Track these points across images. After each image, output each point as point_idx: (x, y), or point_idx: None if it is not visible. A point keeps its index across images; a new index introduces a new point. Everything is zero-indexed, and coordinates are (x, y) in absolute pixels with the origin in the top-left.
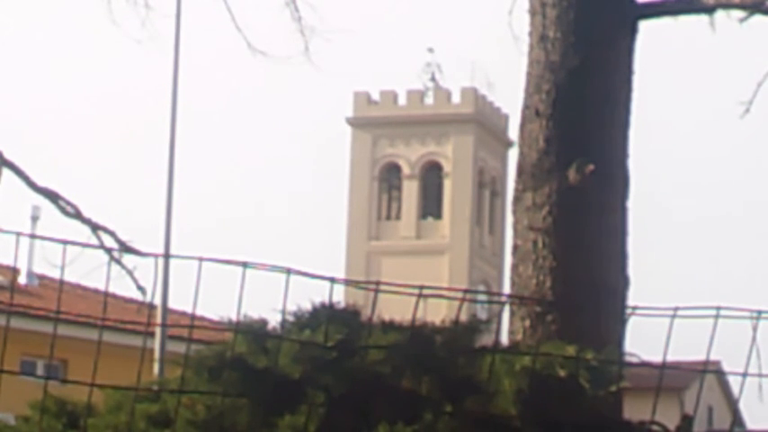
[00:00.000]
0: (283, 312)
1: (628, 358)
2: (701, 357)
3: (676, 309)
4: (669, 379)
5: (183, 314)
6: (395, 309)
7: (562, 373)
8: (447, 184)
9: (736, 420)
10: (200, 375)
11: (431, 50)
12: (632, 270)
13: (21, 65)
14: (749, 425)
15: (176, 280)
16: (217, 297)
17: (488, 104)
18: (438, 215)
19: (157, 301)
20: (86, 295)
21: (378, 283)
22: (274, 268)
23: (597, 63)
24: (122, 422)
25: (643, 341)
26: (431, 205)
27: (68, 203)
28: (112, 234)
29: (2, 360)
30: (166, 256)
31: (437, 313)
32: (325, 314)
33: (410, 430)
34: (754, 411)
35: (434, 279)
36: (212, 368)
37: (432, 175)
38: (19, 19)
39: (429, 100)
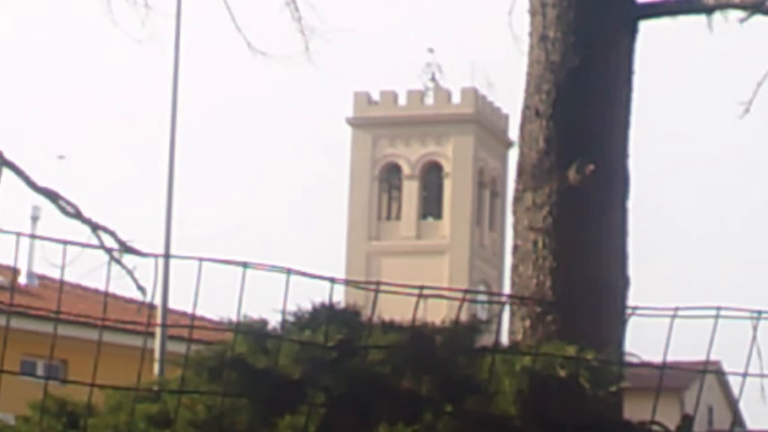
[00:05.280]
0: (283, 312)
1: (628, 358)
2: (701, 357)
3: (676, 309)
4: (669, 379)
5: (183, 314)
6: (395, 309)
7: (562, 373)
8: (447, 184)
9: (736, 420)
10: (200, 375)
11: (431, 50)
12: (632, 270)
13: (21, 65)
14: (749, 425)
15: (176, 280)
16: (217, 297)
17: (488, 104)
18: (438, 215)
19: (157, 301)
20: (86, 295)
21: (378, 283)
22: (274, 268)
23: (597, 63)
24: (122, 422)
25: (643, 341)
26: (431, 205)
27: (68, 203)
28: (112, 234)
29: (2, 360)
30: (166, 256)
31: (437, 313)
32: (325, 314)
33: (410, 430)
34: (754, 411)
35: (434, 279)
36: (212, 368)
37: (432, 175)
38: (19, 19)
39: (429, 100)
